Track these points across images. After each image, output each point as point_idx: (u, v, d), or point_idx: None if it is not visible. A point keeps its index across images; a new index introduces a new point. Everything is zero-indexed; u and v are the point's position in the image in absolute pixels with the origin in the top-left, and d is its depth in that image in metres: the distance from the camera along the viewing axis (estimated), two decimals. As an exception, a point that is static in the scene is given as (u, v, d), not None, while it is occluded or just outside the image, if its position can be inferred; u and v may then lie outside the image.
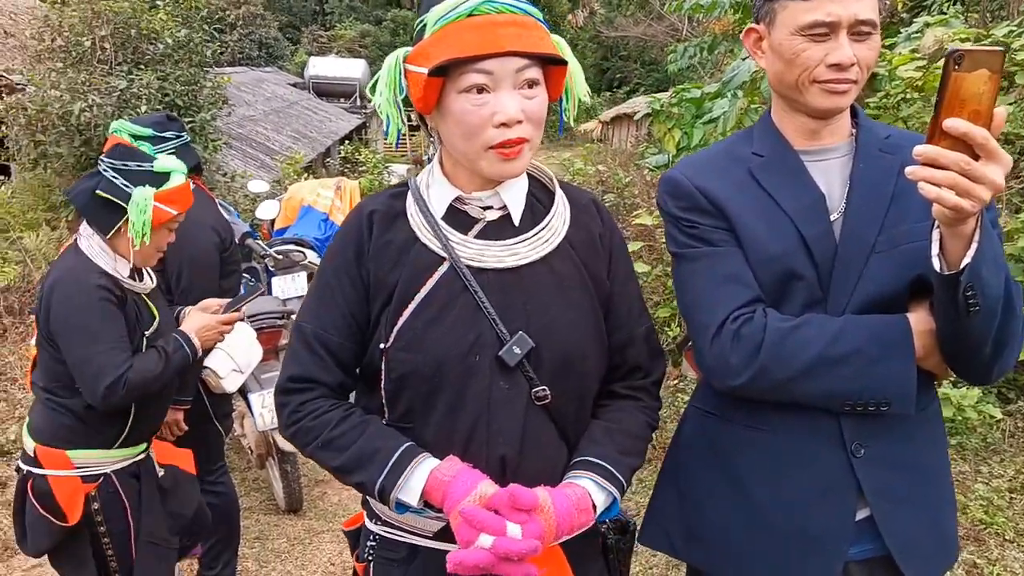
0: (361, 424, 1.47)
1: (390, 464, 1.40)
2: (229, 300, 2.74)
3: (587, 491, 1.42)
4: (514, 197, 1.52)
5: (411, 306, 1.45)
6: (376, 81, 1.47)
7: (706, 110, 7.46)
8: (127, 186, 2.36)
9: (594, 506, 1.42)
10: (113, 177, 2.37)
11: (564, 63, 1.44)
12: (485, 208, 1.51)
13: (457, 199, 1.51)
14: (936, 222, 1.29)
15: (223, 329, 2.66)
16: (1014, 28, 5.87)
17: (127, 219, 2.35)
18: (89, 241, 2.41)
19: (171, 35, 8.69)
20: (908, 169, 1.23)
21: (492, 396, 1.43)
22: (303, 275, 5.75)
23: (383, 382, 1.47)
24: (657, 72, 28.45)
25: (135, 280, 2.48)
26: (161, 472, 2.64)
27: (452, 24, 1.37)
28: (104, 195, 2.34)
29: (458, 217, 1.50)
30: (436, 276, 1.46)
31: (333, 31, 35.33)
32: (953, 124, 1.18)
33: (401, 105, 1.47)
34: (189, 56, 8.86)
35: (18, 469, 2.52)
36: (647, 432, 1.58)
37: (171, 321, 2.66)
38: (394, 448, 1.42)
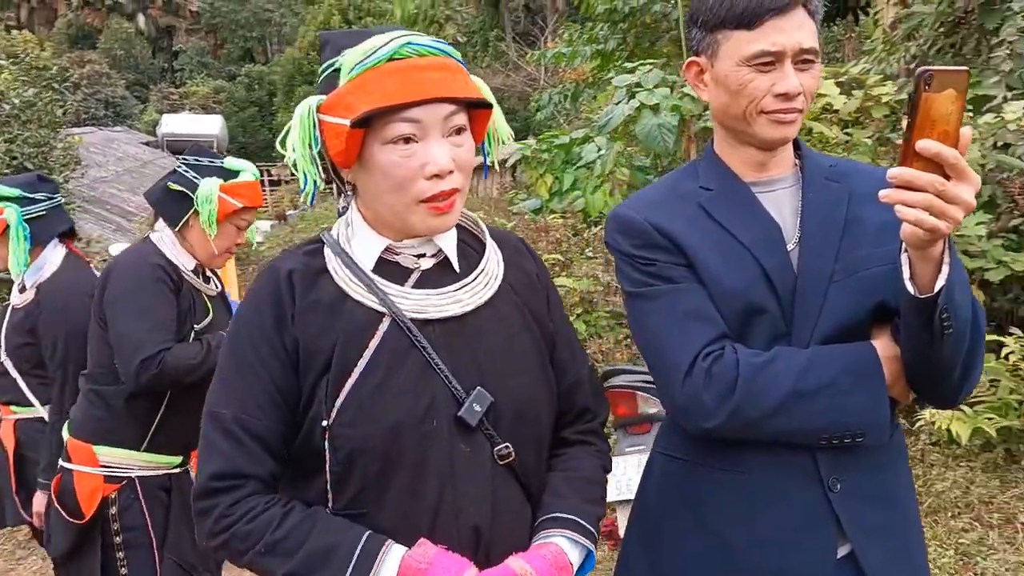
0: (308, 519, 1.27)
1: (354, 560, 1.23)
2: None
3: (562, 548, 1.34)
4: (448, 241, 1.42)
5: (354, 373, 1.29)
6: (286, 135, 1.35)
7: (574, 156, 7.62)
8: (196, 178, 2.46)
9: (570, 563, 1.34)
10: (184, 171, 2.48)
11: (490, 106, 1.37)
12: (419, 256, 1.41)
13: (387, 249, 1.39)
14: (904, 246, 1.27)
15: None
16: (867, 66, 6.23)
17: (195, 211, 2.44)
18: (160, 234, 2.50)
19: (17, 95, 8.21)
20: (883, 193, 1.21)
21: (455, 462, 1.31)
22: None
23: (328, 464, 1.30)
24: (515, 121, 29.14)
25: (198, 277, 2.53)
26: None
27: (371, 70, 1.27)
28: (175, 187, 2.46)
29: (390, 268, 1.38)
30: (378, 335, 1.32)
31: (184, 88, 34.50)
32: (925, 145, 1.17)
33: (317, 159, 1.34)
34: (38, 116, 8.40)
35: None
36: (604, 476, 1.52)
37: (225, 327, 2.56)
38: (355, 540, 1.25)
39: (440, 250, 1.41)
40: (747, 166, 1.54)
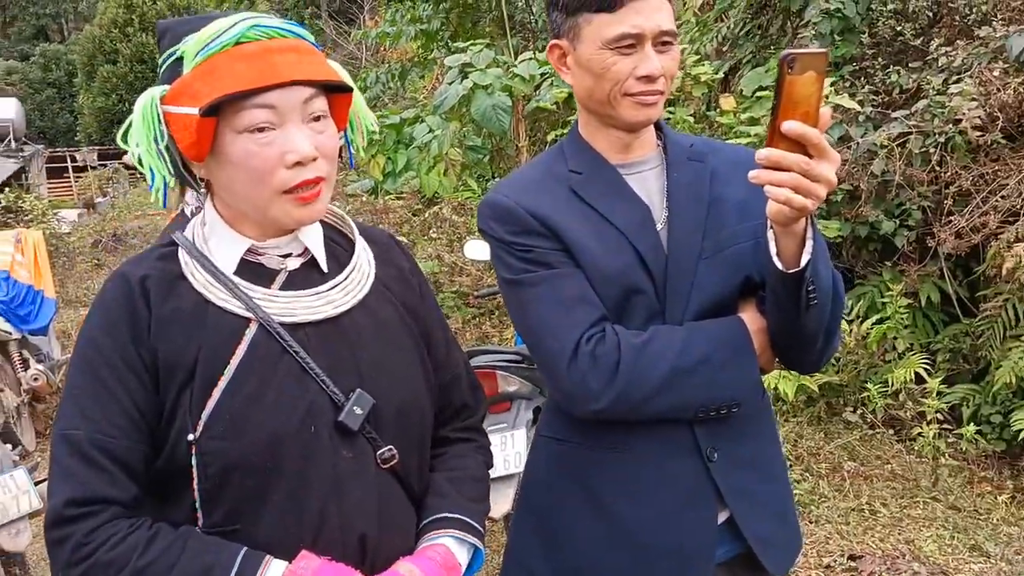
0: (178, 540, 1.18)
1: None
2: None
3: (449, 549, 1.34)
4: (315, 240, 1.35)
5: (221, 383, 1.21)
6: (127, 129, 1.25)
7: (406, 136, 7.57)
8: None
9: (459, 563, 1.34)
10: None
11: (350, 90, 1.30)
12: (284, 256, 1.33)
13: (249, 250, 1.30)
14: (769, 223, 1.34)
15: None
16: (686, 46, 6.50)
17: None
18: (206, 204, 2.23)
19: None
20: (752, 174, 1.27)
21: (338, 470, 1.25)
22: (-10, 345, 5.05)
23: (196, 481, 1.20)
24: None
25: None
26: None
27: (219, 55, 1.18)
28: None
29: (253, 270, 1.30)
30: (245, 342, 1.24)
31: (-31, 69, 31.63)
32: (790, 126, 1.22)
33: (165, 153, 1.23)
34: None
35: None
36: (487, 473, 1.52)
37: None
38: (230, 559, 1.17)
39: (306, 249, 1.34)
40: (613, 148, 1.57)
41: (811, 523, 3.86)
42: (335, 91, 1.28)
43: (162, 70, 1.27)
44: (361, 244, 1.41)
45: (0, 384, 4.59)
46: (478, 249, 3.68)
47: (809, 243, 1.32)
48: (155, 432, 1.22)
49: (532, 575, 1.62)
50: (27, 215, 12.70)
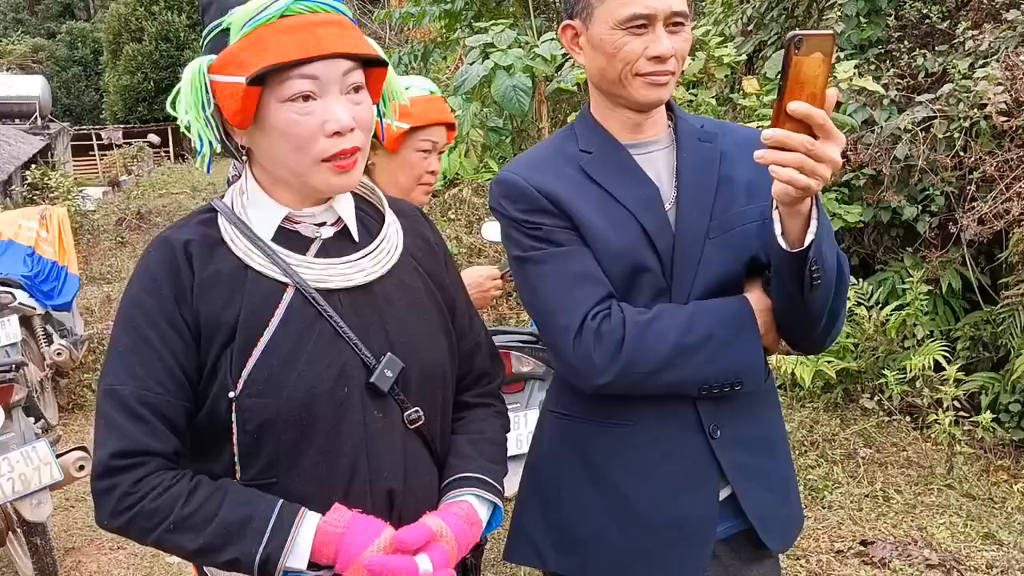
0: (217, 492, 1.25)
1: (269, 529, 1.22)
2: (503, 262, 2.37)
3: (472, 506, 1.39)
4: (347, 210, 1.41)
5: (261, 344, 1.27)
6: (176, 96, 1.29)
7: (428, 115, 7.57)
8: None
9: (480, 519, 1.40)
10: None
11: (385, 65, 1.35)
12: (319, 225, 1.39)
13: (287, 218, 1.36)
14: (774, 203, 1.34)
15: (493, 292, 2.47)
16: (710, 28, 6.45)
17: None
18: None
19: None
20: (758, 154, 1.27)
21: (368, 428, 1.32)
22: (14, 319, 5.10)
23: (235, 436, 1.28)
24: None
25: None
26: None
27: (264, 27, 1.23)
28: None
29: (289, 237, 1.36)
30: (283, 306, 1.30)
31: (-3, 46, 31.87)
32: (796, 107, 1.22)
33: (212, 120, 1.28)
34: None
35: None
36: (505, 436, 1.57)
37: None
38: (267, 510, 1.24)
39: (340, 219, 1.40)
40: (623, 128, 1.58)
41: (824, 508, 3.86)
42: (371, 65, 1.33)
43: (207, 40, 1.31)
44: (391, 216, 1.47)
45: (24, 359, 4.65)
46: (495, 230, 3.68)
47: (814, 223, 1.33)
48: (196, 389, 1.29)
49: (534, 545, 1.65)
50: (52, 192, 12.85)
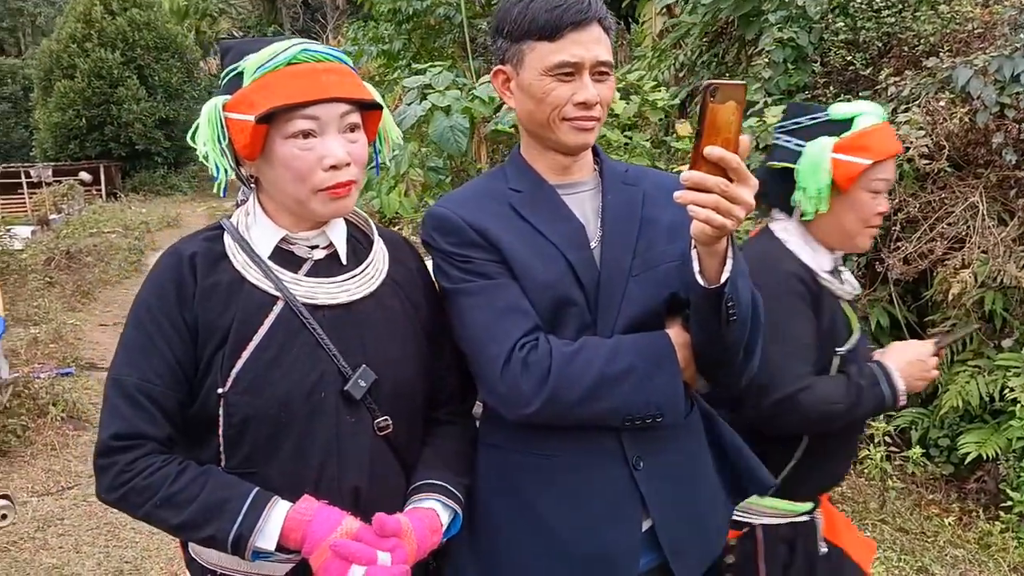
0: (201, 475, 1.42)
1: (243, 512, 1.38)
2: (938, 337, 2.07)
3: (435, 511, 1.52)
4: (339, 235, 1.57)
5: (249, 348, 1.44)
6: (195, 131, 1.48)
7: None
8: (800, 145, 1.90)
9: (442, 523, 1.52)
10: (785, 142, 1.94)
11: (380, 107, 1.53)
12: (312, 247, 1.55)
13: (284, 239, 1.53)
14: (693, 243, 1.39)
15: (933, 373, 2.01)
16: (641, 72, 6.58)
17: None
18: (784, 224, 1.98)
19: None
20: (677, 194, 1.33)
21: (340, 430, 1.47)
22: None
23: (221, 428, 1.44)
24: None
25: (835, 279, 1.95)
26: (823, 549, 2.00)
27: (273, 72, 1.42)
28: (777, 165, 1.94)
29: (285, 257, 1.52)
30: (272, 316, 1.46)
31: (-79, 81, 31.06)
32: (711, 151, 1.29)
33: (227, 152, 1.47)
34: None
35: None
36: (470, 450, 1.68)
37: (867, 347, 2.05)
38: (243, 495, 1.40)
39: (331, 243, 1.56)
40: (552, 170, 1.64)
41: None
42: (368, 108, 1.52)
43: (224, 82, 1.50)
44: (379, 243, 1.63)
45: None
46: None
47: (729, 261, 1.38)
48: (191, 384, 1.46)
49: (461, 572, 1.64)
50: (-23, 231, 12.47)
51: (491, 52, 1.66)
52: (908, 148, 4.48)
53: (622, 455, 1.56)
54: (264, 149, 1.45)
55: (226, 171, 1.48)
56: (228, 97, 1.46)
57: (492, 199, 1.63)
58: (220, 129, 1.45)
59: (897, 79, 4.93)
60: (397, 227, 7.32)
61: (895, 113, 4.76)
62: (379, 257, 1.60)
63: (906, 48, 5.24)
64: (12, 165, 24.88)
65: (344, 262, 1.56)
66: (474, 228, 1.57)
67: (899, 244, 4.65)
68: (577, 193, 1.65)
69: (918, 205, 4.61)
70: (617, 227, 1.61)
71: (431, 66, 6.25)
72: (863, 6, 5.39)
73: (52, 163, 24.13)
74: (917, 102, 4.71)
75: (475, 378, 1.62)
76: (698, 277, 1.41)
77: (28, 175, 22.64)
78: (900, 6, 5.35)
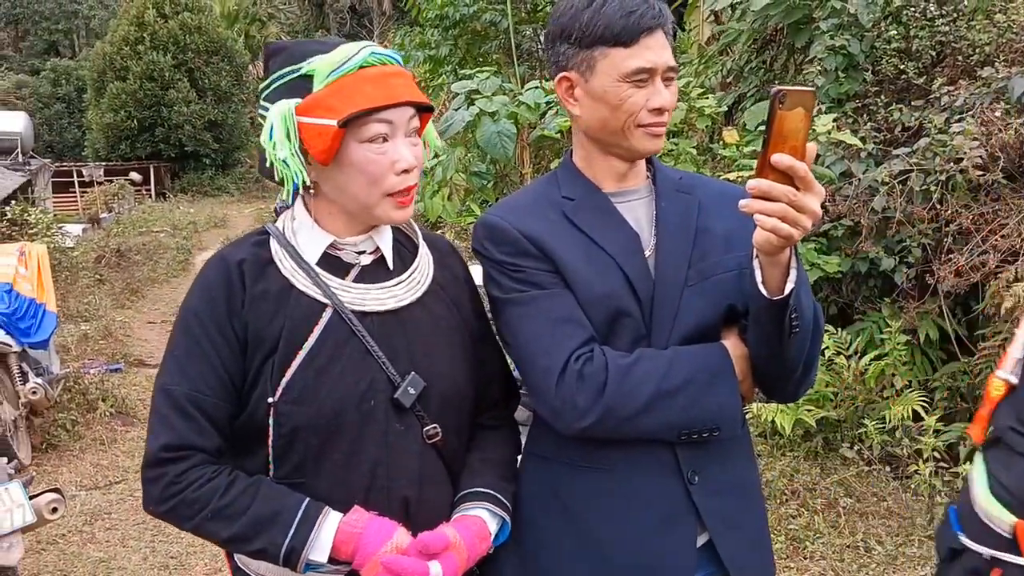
0: (251, 487, 1.40)
1: (295, 524, 1.36)
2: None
3: (483, 520, 1.50)
4: (386, 241, 1.55)
5: (299, 356, 1.42)
6: (271, 135, 1.43)
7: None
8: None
9: (490, 532, 1.50)
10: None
11: (431, 111, 1.52)
12: (359, 253, 1.53)
13: (331, 245, 1.51)
14: (755, 252, 1.37)
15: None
16: (691, 79, 6.55)
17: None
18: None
19: None
20: (743, 202, 1.31)
21: (389, 439, 1.45)
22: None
23: (271, 438, 1.43)
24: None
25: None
26: None
27: (346, 77, 1.40)
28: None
29: (331, 262, 1.50)
30: (322, 324, 1.44)
31: (-20, 82, 31.84)
32: (779, 159, 1.26)
33: (301, 155, 1.43)
34: None
35: (965, 552, 1.58)
36: (515, 457, 1.68)
37: None
38: (295, 506, 1.38)
39: (377, 248, 1.54)
40: (608, 177, 1.61)
41: (806, 559, 3.84)
42: (423, 111, 1.50)
43: (281, 83, 1.45)
44: (424, 248, 1.61)
45: (-2, 397, 4.60)
46: (476, 273, 3.70)
47: (793, 272, 1.36)
48: (240, 393, 1.44)
49: None
50: (32, 228, 12.74)
51: (548, 59, 1.64)
52: (961, 159, 4.41)
53: (676, 468, 1.53)
54: (337, 153, 1.42)
55: (302, 177, 1.42)
56: (299, 100, 1.41)
57: (545, 206, 1.60)
58: (294, 133, 1.42)
59: (951, 88, 4.86)
60: (440, 231, 7.36)
61: (947, 123, 4.69)
62: (424, 262, 1.58)
63: (960, 57, 5.16)
64: (65, 164, 25.40)
65: (391, 267, 1.54)
66: (527, 237, 1.55)
67: (950, 256, 4.57)
68: (631, 201, 1.62)
69: (971, 217, 4.53)
70: (672, 236, 1.58)
71: (478, 71, 6.27)
72: (916, 14, 5.32)
73: (104, 163, 24.56)
74: (971, 112, 4.63)
75: (528, 390, 1.59)
76: (761, 288, 1.38)
77: (80, 174, 23.09)
78: (954, 15, 5.27)
